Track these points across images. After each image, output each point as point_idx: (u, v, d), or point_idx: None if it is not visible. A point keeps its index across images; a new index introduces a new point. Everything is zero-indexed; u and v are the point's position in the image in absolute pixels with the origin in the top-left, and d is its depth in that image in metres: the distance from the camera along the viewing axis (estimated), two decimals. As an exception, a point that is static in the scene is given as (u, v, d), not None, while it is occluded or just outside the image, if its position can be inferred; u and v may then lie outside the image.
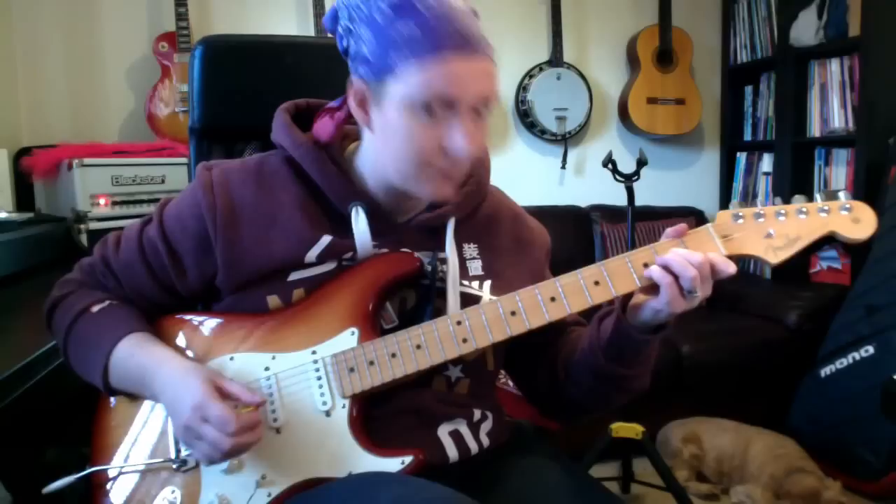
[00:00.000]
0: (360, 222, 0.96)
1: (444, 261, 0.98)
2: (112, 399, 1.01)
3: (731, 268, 0.88)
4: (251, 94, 1.27)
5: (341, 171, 0.99)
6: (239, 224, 0.97)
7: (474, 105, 0.88)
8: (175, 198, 1.03)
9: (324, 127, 0.99)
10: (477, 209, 1.05)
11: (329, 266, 0.97)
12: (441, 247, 0.99)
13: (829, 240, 0.89)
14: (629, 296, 0.93)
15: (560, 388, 1.04)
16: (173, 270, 0.99)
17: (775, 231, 0.89)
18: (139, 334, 0.97)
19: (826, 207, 0.88)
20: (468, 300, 0.98)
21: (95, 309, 0.99)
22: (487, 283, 1.02)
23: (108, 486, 0.96)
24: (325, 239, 0.96)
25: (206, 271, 0.98)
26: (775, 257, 0.89)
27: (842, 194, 0.89)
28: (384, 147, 0.93)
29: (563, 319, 0.94)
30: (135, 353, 0.95)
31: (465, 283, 1.00)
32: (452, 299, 0.96)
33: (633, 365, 0.96)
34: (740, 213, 0.91)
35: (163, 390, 0.92)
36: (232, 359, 0.95)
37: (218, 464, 0.90)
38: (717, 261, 0.88)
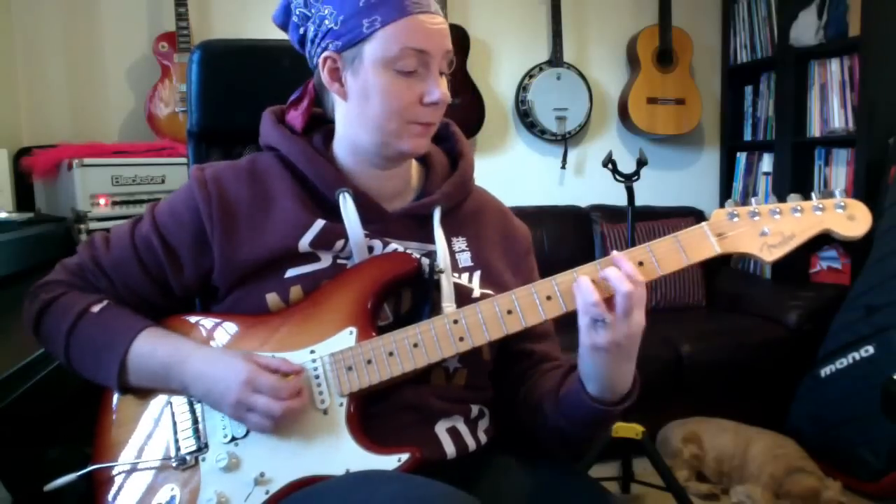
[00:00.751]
0: (348, 208, 0.97)
1: (432, 253, 0.99)
2: (115, 398, 1.01)
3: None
4: (249, 97, 1.27)
5: (327, 161, 1.01)
6: (235, 217, 0.98)
7: (441, 60, 0.94)
8: (165, 199, 1.04)
9: (294, 119, 1.05)
10: (462, 203, 1.07)
11: (325, 263, 0.98)
12: (429, 236, 1.00)
13: (827, 239, 0.90)
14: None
15: (522, 415, 1.04)
16: (169, 265, 1.00)
17: (770, 229, 0.89)
18: (154, 329, 0.98)
19: (821, 205, 0.89)
20: (459, 292, 0.98)
21: (96, 309, 0.99)
22: (477, 274, 1.03)
23: (109, 484, 0.96)
24: (319, 223, 0.98)
25: (202, 265, 0.99)
26: (770, 255, 0.89)
27: (837, 192, 0.90)
28: (363, 109, 0.96)
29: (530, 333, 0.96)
30: (157, 349, 0.96)
31: (455, 275, 1.01)
32: (447, 287, 0.97)
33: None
34: (735, 212, 0.91)
35: (197, 378, 0.93)
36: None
37: (270, 432, 0.91)
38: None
